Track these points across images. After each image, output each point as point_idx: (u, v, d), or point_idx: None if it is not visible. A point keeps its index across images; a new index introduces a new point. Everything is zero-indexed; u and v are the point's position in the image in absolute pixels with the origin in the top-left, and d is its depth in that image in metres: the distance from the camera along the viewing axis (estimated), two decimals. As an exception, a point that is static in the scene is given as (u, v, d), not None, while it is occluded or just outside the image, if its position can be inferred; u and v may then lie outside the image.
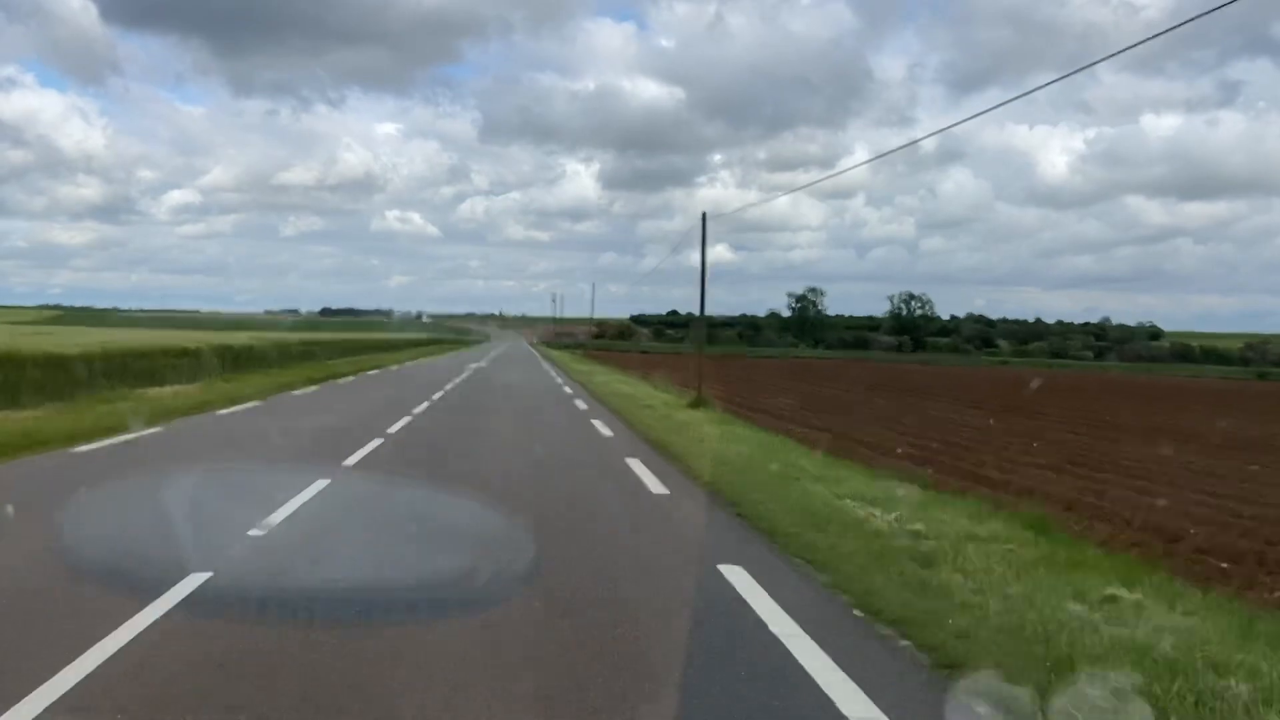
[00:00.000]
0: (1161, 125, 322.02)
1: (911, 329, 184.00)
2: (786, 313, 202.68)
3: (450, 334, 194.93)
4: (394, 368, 44.46)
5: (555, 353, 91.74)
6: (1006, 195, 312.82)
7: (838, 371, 73.67)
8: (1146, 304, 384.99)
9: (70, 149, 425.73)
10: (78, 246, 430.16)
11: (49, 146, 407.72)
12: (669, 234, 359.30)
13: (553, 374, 44.53)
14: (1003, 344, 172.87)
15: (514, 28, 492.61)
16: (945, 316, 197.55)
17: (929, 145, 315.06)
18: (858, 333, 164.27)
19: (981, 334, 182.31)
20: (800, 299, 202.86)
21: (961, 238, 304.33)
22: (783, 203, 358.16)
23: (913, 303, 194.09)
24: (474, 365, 49.26)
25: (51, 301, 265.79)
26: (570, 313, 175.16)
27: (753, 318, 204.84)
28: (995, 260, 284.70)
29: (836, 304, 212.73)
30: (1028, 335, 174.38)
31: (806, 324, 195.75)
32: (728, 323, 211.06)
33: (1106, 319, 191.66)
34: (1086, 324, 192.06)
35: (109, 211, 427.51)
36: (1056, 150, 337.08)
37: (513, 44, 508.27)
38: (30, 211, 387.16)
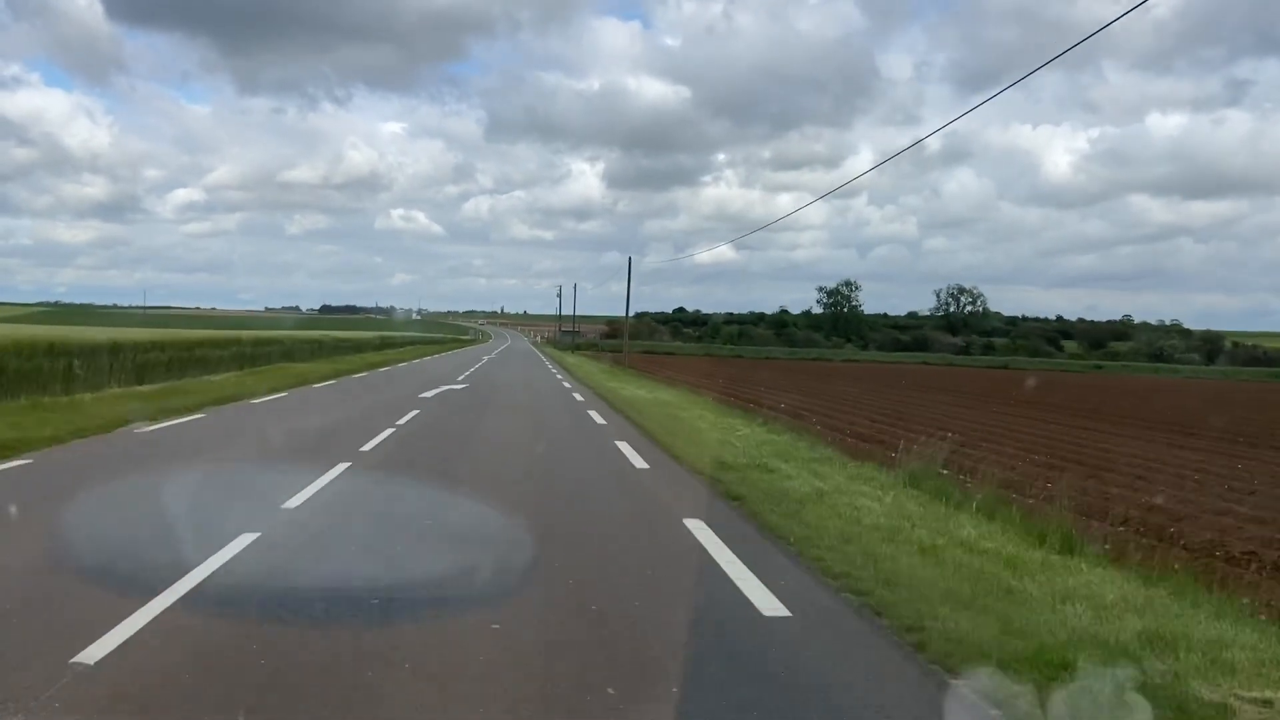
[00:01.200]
0: (1168, 124, 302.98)
1: (961, 327, 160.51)
2: (812, 309, 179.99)
3: (446, 333, 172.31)
4: (267, 399, 21.17)
5: (570, 358, 67.96)
6: (1009, 194, 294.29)
7: (1126, 407, 49.78)
8: (1145, 303, 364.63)
9: (75, 147, 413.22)
10: (82, 245, 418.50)
11: (54, 145, 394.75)
12: (673, 233, 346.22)
13: (596, 418, 21.21)
14: (1068, 345, 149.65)
15: (521, 25, 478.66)
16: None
17: (934, 145, 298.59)
18: (914, 332, 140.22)
19: (1037, 332, 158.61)
20: (833, 294, 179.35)
21: (963, 237, 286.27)
22: (784, 203, 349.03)
23: (963, 297, 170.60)
24: (440, 390, 26.17)
25: (54, 299, 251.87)
26: (570, 311, 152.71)
27: (779, 315, 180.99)
28: (997, 259, 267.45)
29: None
30: (1099, 336, 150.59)
31: (840, 321, 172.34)
32: (738, 319, 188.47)
33: (1128, 317, 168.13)
34: (1110, 321, 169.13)
35: (114, 210, 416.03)
36: (1060, 150, 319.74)
37: (519, 42, 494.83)
38: (35, 210, 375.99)
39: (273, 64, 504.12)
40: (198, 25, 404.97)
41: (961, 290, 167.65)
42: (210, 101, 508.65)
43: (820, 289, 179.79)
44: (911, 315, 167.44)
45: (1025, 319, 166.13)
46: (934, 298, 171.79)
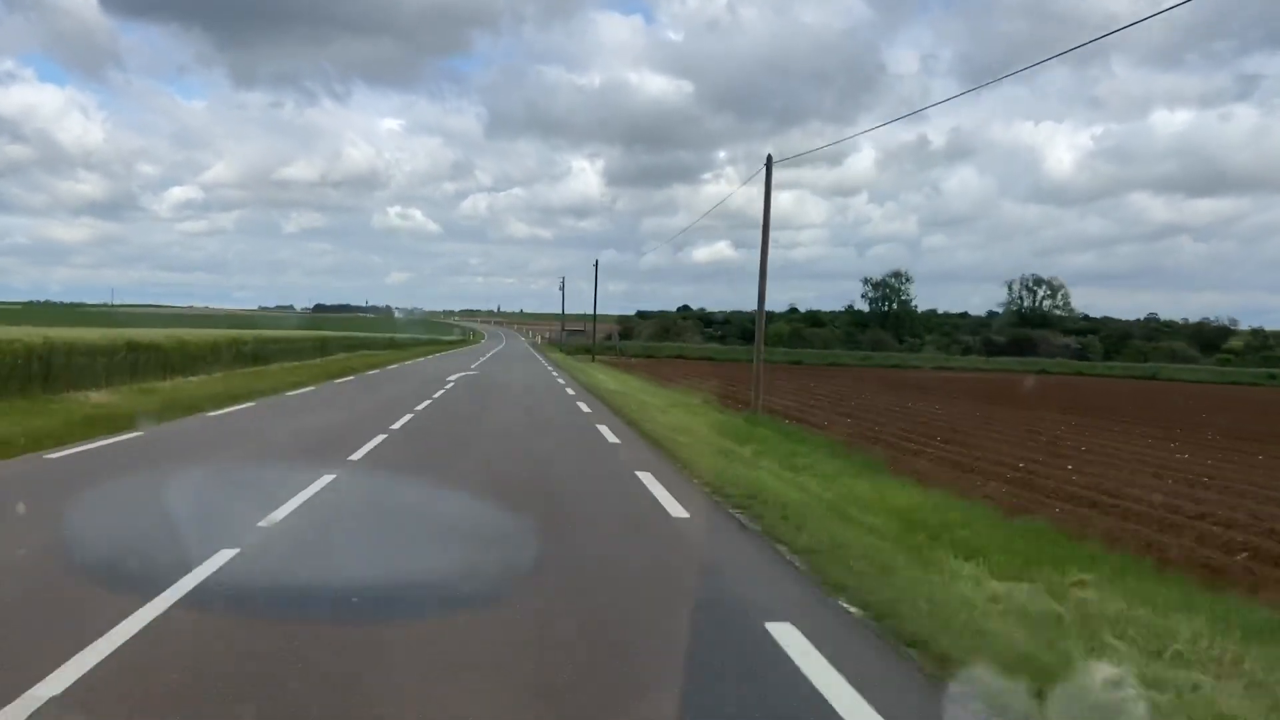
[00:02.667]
0: (1175, 120, 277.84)
1: (1039, 326, 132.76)
2: (855, 303, 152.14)
3: (435, 332, 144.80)
4: None
5: (600, 375, 39.88)
6: (1011, 192, 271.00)
7: None
8: (1145, 301, 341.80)
9: (70, 144, 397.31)
10: (77, 243, 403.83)
11: (48, 141, 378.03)
12: (672, 231, 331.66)
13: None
14: (1173, 345, 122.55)
15: (524, 19, 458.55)
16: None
17: (937, 141, 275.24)
18: (985, 333, 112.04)
19: (1123, 333, 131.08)
20: (880, 286, 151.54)
21: (963, 235, 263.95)
22: (785, 201, 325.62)
23: (1039, 290, 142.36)
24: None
25: (44, 298, 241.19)
26: (570, 309, 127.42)
27: (813, 312, 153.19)
28: (995, 258, 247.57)
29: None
30: (1209, 337, 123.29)
31: (889, 320, 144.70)
32: (765, 318, 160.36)
33: (1154, 315, 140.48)
34: (1136, 320, 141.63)
35: (109, 208, 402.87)
36: (1063, 146, 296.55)
37: (521, 36, 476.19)
38: (30, 208, 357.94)
39: (270, 58, 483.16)
40: (193, 17, 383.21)
41: (1039, 281, 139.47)
42: (206, 96, 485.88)
43: (866, 281, 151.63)
44: (1014, 313, 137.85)
45: (1111, 319, 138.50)
46: (1004, 290, 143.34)
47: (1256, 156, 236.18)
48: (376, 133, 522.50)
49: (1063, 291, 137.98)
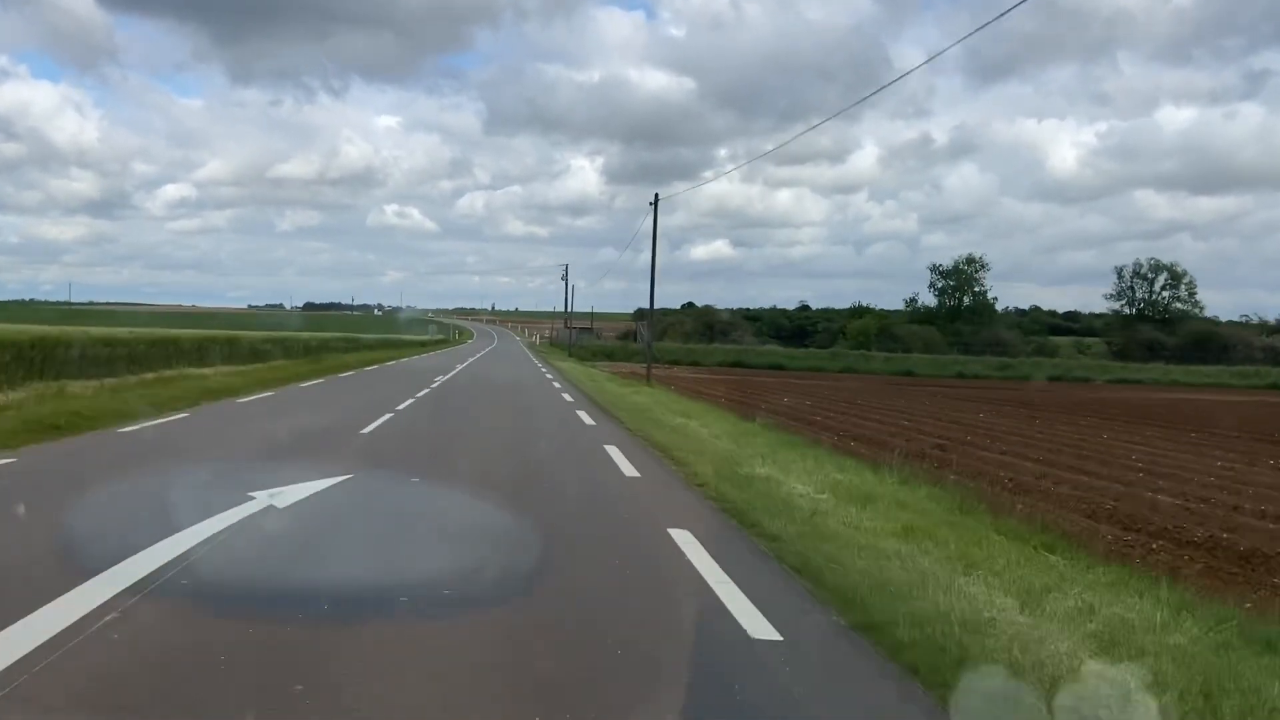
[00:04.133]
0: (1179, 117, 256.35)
1: (1157, 323, 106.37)
2: (919, 297, 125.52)
3: (416, 332, 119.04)
4: None
5: (805, 468, 10.15)
6: (1012, 189, 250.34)
7: None
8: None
9: (63, 142, 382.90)
10: (70, 242, 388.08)
11: (41, 139, 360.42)
12: (670, 230, 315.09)
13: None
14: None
15: (525, 16, 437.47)
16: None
17: (940, 139, 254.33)
18: (1198, 330, 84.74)
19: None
20: (951, 274, 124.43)
21: (962, 233, 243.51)
22: (784, 199, 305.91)
23: (1157, 279, 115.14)
24: None
25: (29, 297, 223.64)
26: (561, 307, 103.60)
27: (863, 307, 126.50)
28: (994, 256, 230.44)
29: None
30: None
31: (960, 315, 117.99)
32: (792, 315, 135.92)
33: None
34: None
35: (102, 206, 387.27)
36: (1067, 143, 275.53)
37: (520, 33, 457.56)
38: (22, 206, 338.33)
39: (267, 54, 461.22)
40: (190, 13, 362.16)
41: (1157, 268, 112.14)
42: (202, 94, 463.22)
43: (934, 268, 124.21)
44: (1130, 310, 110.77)
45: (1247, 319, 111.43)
46: (1113, 278, 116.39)
47: (1262, 154, 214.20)
48: (374, 130, 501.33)
49: (1187, 280, 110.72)
